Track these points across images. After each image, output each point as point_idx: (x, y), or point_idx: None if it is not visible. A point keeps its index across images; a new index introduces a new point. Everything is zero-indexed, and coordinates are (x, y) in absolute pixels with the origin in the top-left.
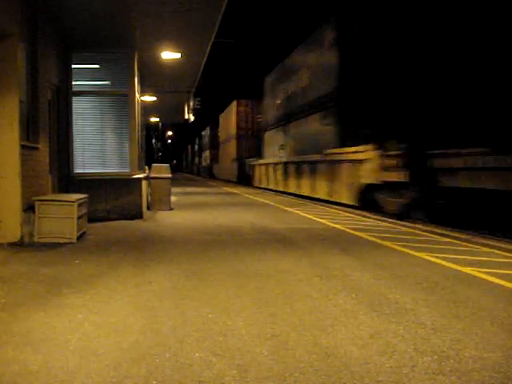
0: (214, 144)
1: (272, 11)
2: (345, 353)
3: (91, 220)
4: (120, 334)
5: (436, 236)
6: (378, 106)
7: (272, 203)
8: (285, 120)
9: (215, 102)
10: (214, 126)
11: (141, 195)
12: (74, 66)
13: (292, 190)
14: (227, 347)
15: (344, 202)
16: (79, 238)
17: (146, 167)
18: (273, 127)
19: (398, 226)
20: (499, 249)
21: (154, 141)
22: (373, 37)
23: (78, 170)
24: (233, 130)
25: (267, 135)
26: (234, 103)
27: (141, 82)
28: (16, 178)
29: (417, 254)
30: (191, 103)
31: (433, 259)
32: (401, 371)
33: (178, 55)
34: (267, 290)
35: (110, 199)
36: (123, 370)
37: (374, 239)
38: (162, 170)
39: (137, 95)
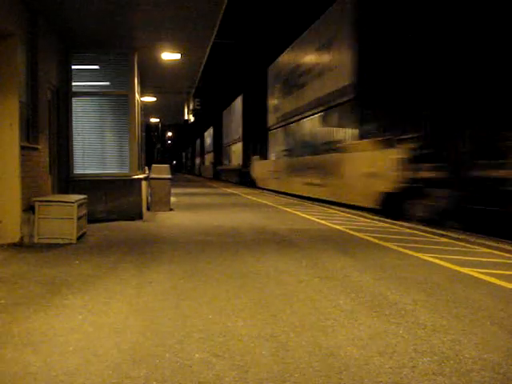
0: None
1: (271, 11)
2: (345, 353)
3: (91, 221)
4: (120, 335)
5: (435, 236)
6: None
7: (271, 204)
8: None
9: (215, 102)
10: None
11: (141, 196)
12: (73, 67)
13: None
14: (227, 348)
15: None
16: (79, 238)
17: (146, 168)
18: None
19: (397, 227)
20: (498, 249)
21: (153, 141)
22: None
23: (77, 171)
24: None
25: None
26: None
27: (141, 83)
28: (16, 179)
29: (416, 254)
30: (191, 104)
31: (432, 260)
32: (401, 372)
33: (177, 55)
34: (267, 291)
35: (110, 200)
36: (123, 370)
37: (373, 240)
38: (162, 171)
39: (137, 96)
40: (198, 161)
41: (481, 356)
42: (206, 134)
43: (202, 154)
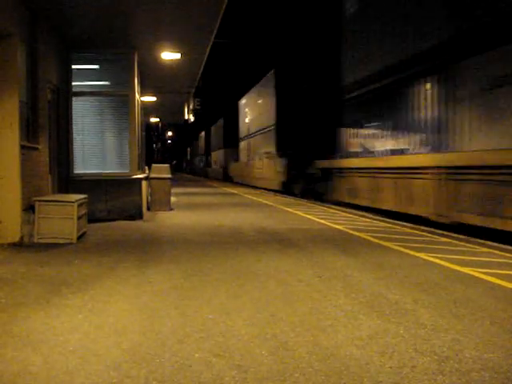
0: (230, 141)
1: (270, 11)
2: (345, 353)
3: (91, 220)
4: (120, 335)
5: (435, 236)
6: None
7: (271, 203)
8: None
9: (215, 102)
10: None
11: (141, 196)
12: (73, 67)
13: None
14: (227, 347)
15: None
16: (79, 238)
17: (146, 167)
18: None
19: (397, 226)
20: (499, 249)
21: (153, 141)
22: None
23: (77, 171)
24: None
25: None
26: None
27: (141, 82)
28: (16, 179)
29: (416, 254)
30: (191, 104)
31: (432, 259)
32: (401, 372)
33: (177, 55)
34: (267, 291)
35: (110, 199)
36: (123, 370)
37: (373, 239)
38: (162, 171)
39: (137, 95)
40: (217, 156)
41: (481, 356)
42: (243, 102)
43: (230, 143)
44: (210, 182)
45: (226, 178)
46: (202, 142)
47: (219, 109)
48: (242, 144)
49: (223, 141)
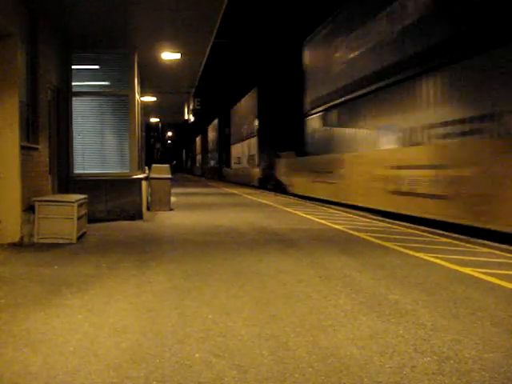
0: (210, 148)
1: (269, 12)
2: (345, 353)
3: (91, 220)
4: (120, 335)
5: (435, 236)
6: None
7: (271, 203)
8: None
9: (214, 102)
10: (193, 143)
11: (141, 196)
12: (73, 67)
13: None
14: (227, 348)
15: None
16: (79, 238)
17: (146, 167)
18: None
19: (398, 227)
20: (499, 249)
21: (153, 141)
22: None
23: (77, 171)
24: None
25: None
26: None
27: (141, 83)
28: (16, 179)
29: (416, 254)
30: (191, 104)
31: (432, 259)
32: (401, 372)
33: (177, 55)
34: (267, 291)
35: (110, 200)
36: (123, 370)
37: (373, 239)
38: (162, 171)
39: (137, 96)
40: (244, 150)
41: (481, 356)
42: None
43: (273, 127)
44: (210, 183)
45: (266, 184)
46: (211, 136)
47: (217, 110)
48: (313, 123)
49: (259, 125)
